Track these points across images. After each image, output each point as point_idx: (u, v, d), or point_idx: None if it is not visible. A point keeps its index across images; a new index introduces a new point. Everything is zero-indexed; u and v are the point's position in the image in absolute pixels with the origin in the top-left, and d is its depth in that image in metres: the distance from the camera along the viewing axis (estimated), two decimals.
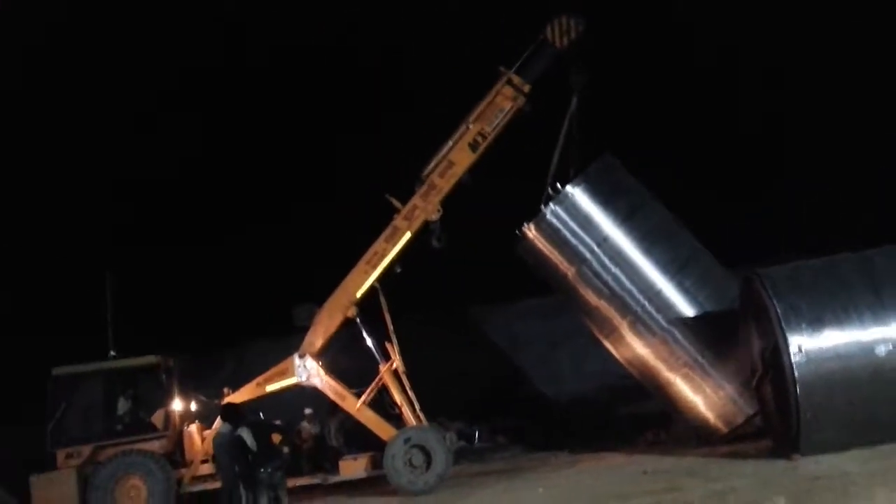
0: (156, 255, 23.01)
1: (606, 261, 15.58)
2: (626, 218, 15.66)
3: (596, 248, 15.62)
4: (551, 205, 15.73)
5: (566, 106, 16.45)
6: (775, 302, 12.41)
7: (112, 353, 16.79)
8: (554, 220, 15.75)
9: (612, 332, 15.81)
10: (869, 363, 12.11)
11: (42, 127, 22.38)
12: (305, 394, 17.25)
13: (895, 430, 12.16)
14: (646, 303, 15.33)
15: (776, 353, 12.51)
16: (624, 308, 15.49)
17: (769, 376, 13.16)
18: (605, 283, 15.60)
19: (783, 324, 12.24)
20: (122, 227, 22.83)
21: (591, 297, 15.79)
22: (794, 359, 12.10)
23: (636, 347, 15.56)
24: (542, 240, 15.99)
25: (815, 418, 12.12)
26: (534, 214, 15.96)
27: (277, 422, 15.17)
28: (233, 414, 13.06)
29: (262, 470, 12.53)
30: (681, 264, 15.41)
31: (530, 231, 16.04)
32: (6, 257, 20.53)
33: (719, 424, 15.17)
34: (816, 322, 12.22)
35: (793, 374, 12.10)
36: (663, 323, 15.21)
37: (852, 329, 12.21)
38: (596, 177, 15.83)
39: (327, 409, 18.70)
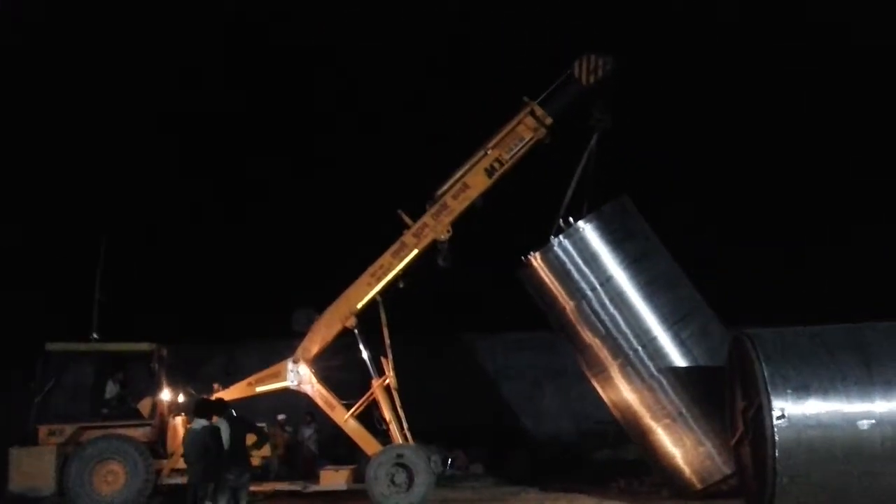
0: (158, 244, 23.23)
1: (606, 300, 15.56)
2: (633, 261, 15.66)
3: (598, 286, 15.60)
4: (560, 237, 15.75)
5: (585, 141, 16.47)
6: (763, 364, 12.37)
7: (94, 335, 16.83)
8: (560, 253, 15.76)
9: (602, 372, 15.80)
10: (850, 436, 12.06)
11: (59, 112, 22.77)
12: (282, 399, 17.27)
13: None
14: (639, 348, 15.31)
15: (759, 415, 12.47)
16: (616, 349, 15.46)
17: (749, 438, 13.13)
18: (602, 322, 15.58)
19: (769, 387, 12.21)
20: (123, 210, 23.06)
21: (586, 335, 15.78)
22: (777, 423, 12.06)
23: (623, 390, 15.53)
24: (546, 270, 15.99)
25: (791, 484, 12.08)
26: (537, 246, 15.97)
27: (261, 424, 15.15)
28: (206, 409, 12.94)
29: (227, 472, 12.42)
30: (680, 316, 15.39)
31: (535, 260, 16.04)
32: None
33: (694, 480, 15.12)
34: (802, 389, 12.19)
35: (773, 437, 12.06)
36: (653, 370, 15.19)
37: (838, 400, 12.17)
38: (609, 216, 15.86)
39: (303, 416, 18.80)
